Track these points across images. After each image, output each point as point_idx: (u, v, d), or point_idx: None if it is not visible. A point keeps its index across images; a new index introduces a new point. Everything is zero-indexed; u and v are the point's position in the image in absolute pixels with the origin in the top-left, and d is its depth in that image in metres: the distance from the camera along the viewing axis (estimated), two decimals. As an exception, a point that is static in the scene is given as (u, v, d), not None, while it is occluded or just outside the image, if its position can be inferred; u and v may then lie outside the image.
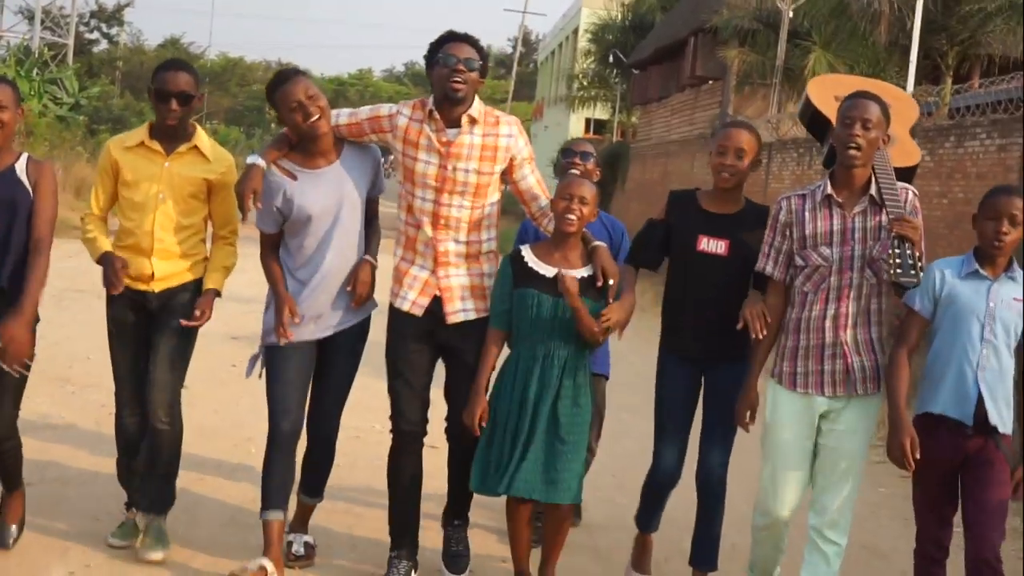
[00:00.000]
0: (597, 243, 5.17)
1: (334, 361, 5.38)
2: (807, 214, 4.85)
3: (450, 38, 5.20)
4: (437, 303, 5.22)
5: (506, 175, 5.30)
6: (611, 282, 5.00)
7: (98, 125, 38.55)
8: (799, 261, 4.87)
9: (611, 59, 43.11)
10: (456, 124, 5.15)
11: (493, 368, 5.11)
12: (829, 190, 4.80)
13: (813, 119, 5.41)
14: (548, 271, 4.99)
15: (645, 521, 5.65)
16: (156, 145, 5.34)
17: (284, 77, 5.21)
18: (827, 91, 5.37)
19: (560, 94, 51.53)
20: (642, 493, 5.55)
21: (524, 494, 4.91)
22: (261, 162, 5.17)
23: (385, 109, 5.33)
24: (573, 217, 4.95)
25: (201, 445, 7.25)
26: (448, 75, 5.06)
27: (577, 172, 5.67)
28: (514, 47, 73.25)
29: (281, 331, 5.15)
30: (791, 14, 25.43)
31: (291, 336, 5.16)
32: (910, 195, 4.83)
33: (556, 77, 57.14)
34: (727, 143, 5.15)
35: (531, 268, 5.03)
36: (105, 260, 5.29)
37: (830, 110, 5.12)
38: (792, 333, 4.91)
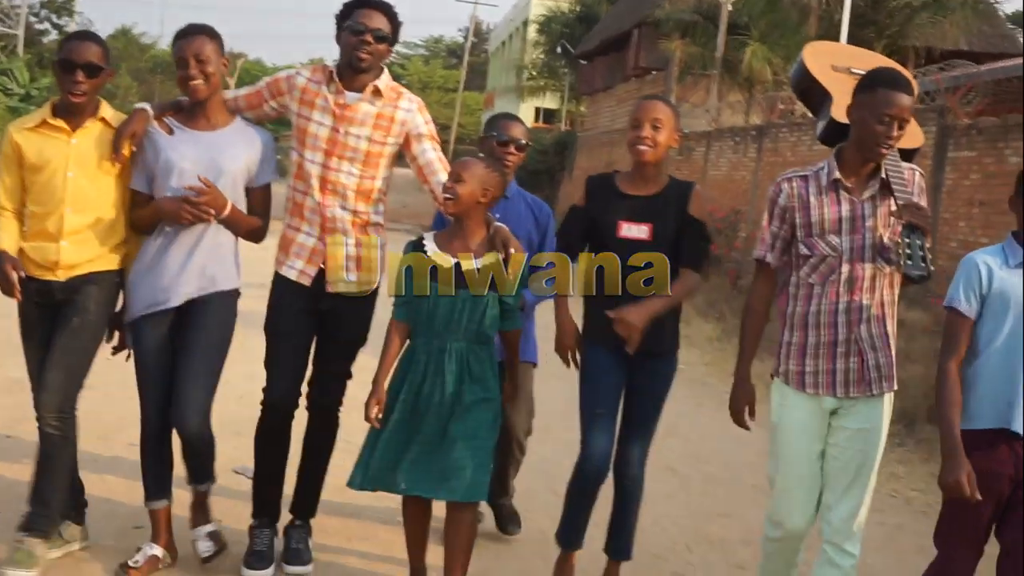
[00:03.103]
0: (498, 224, 4.79)
1: (190, 339, 4.87)
2: (812, 199, 4.36)
3: (362, 3, 5.00)
4: (321, 273, 5.03)
5: (404, 151, 5.13)
6: (511, 251, 4.62)
7: (49, 116, 38.59)
8: (803, 250, 4.37)
9: (559, 50, 43.75)
10: (357, 90, 4.99)
11: (394, 361, 4.71)
12: (837, 174, 4.33)
13: (806, 86, 5.01)
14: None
15: (568, 533, 5.10)
16: (60, 123, 4.84)
17: (186, 31, 4.91)
18: (823, 60, 5.00)
19: (510, 84, 52.01)
20: (567, 495, 5.06)
21: (412, 491, 4.57)
22: (147, 107, 4.94)
23: (283, 73, 5.20)
24: (448, 196, 4.63)
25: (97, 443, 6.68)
26: (355, 44, 4.91)
27: (511, 163, 5.45)
28: (465, 37, 73.71)
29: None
30: (730, 7, 26.16)
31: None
32: (917, 176, 4.40)
33: (506, 67, 57.60)
34: (641, 115, 4.79)
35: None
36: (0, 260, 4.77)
37: (828, 80, 4.84)
38: (799, 329, 4.39)
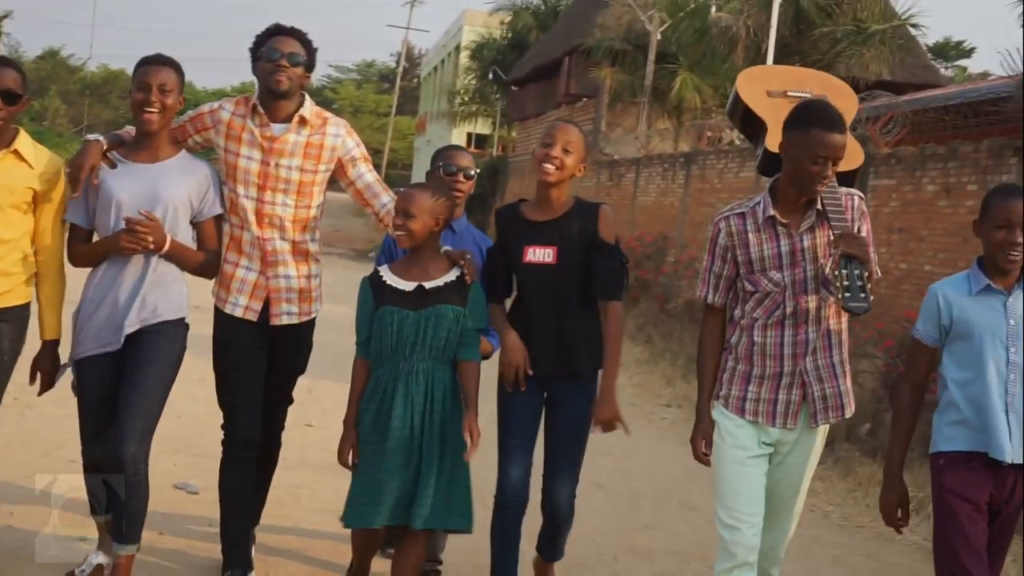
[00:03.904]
0: (446, 248, 4.85)
1: (136, 374, 4.71)
2: (751, 236, 4.31)
3: (275, 32, 5.00)
4: (265, 307, 5.01)
5: (339, 178, 5.15)
6: (462, 262, 4.71)
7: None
8: (748, 287, 4.33)
9: (491, 76, 44.00)
10: (282, 121, 4.96)
11: (359, 399, 4.69)
12: (772, 210, 4.28)
13: (742, 116, 4.95)
14: (407, 285, 4.66)
15: (500, 570, 4.91)
16: None
17: (154, 59, 4.82)
18: (756, 86, 4.93)
19: (442, 109, 52.20)
20: (491, 534, 4.89)
21: (416, 524, 4.53)
22: (100, 138, 4.80)
23: (207, 107, 5.12)
24: (400, 233, 4.67)
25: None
26: (271, 70, 4.87)
27: (461, 191, 5.34)
28: (397, 62, 73.86)
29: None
30: (659, 37, 26.60)
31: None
32: (856, 200, 4.34)
33: (438, 92, 57.80)
34: (556, 135, 4.75)
35: (390, 285, 4.68)
36: None
37: (763, 108, 4.78)
38: (744, 359, 4.36)
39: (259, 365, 5.07)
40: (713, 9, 24.12)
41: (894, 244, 12.56)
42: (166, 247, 4.73)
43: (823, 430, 4.43)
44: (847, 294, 3.95)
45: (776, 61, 20.17)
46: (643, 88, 27.09)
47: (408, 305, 4.63)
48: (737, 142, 20.07)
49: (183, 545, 5.51)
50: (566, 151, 4.73)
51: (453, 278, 4.70)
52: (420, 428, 4.57)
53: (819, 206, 4.24)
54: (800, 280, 4.25)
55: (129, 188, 4.74)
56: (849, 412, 4.40)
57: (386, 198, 5.10)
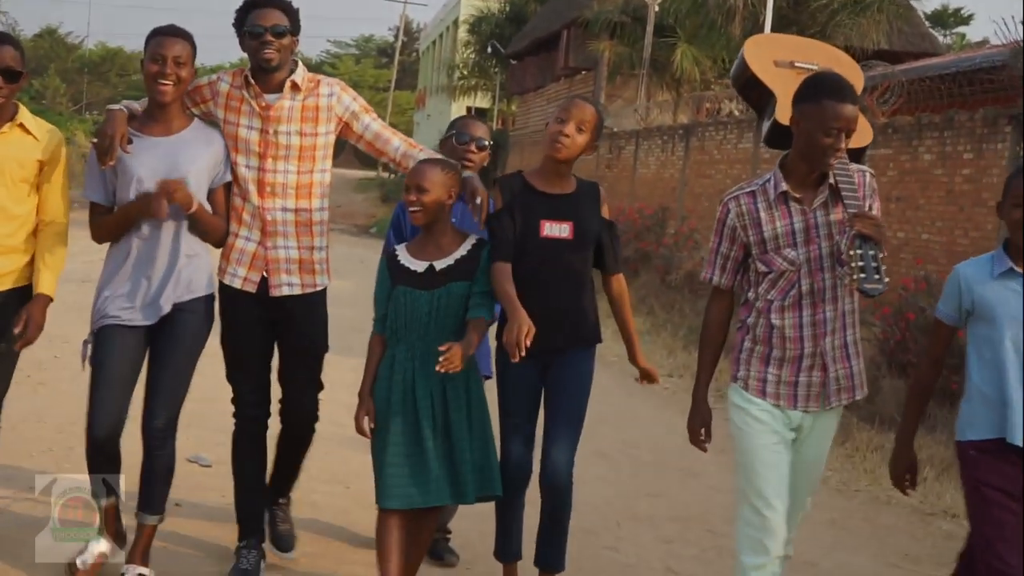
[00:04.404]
0: (466, 175, 4.82)
1: (167, 350, 4.78)
2: (762, 214, 4.21)
3: (254, 4, 4.91)
4: (265, 280, 4.99)
5: (347, 136, 5.12)
6: (478, 201, 4.71)
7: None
8: (761, 267, 4.24)
9: (490, 50, 44.05)
10: (276, 90, 4.93)
11: (375, 371, 4.67)
12: (784, 185, 4.19)
13: (747, 83, 4.89)
14: (419, 266, 4.65)
15: (504, 545, 4.96)
16: None
17: (170, 30, 4.79)
18: (764, 53, 4.85)
19: (442, 83, 52.22)
20: (496, 506, 4.92)
21: (436, 501, 4.57)
22: (121, 107, 4.78)
23: (204, 79, 5.08)
24: (414, 209, 4.62)
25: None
26: (257, 47, 4.83)
27: (472, 161, 5.24)
28: (396, 36, 73.78)
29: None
30: (656, 9, 26.67)
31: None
32: (867, 177, 4.27)
33: (437, 67, 57.80)
34: (572, 111, 4.72)
35: (403, 265, 4.67)
36: None
37: (771, 78, 4.72)
38: (762, 342, 4.27)
39: (261, 340, 5.07)
40: (710, -20, 24.16)
41: (892, 213, 12.69)
42: (194, 206, 4.71)
43: (839, 411, 4.38)
44: (862, 275, 3.86)
45: (774, 31, 20.23)
46: (642, 60, 27.18)
47: (420, 285, 4.62)
48: (736, 113, 20.17)
49: (198, 515, 5.68)
50: (579, 129, 4.71)
51: (464, 252, 4.68)
52: (443, 406, 4.58)
53: (831, 181, 4.16)
54: (815, 257, 4.17)
55: (149, 163, 4.71)
56: (860, 394, 4.37)
57: (397, 141, 5.10)
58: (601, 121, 4.83)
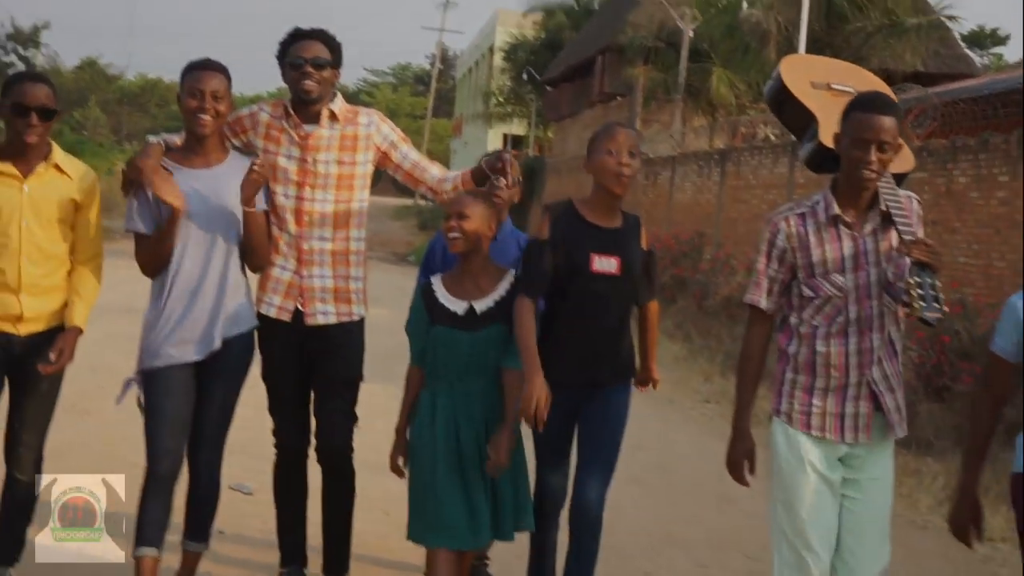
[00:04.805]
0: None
1: (214, 384, 4.84)
2: (812, 237, 4.06)
3: (297, 36, 4.98)
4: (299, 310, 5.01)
5: (386, 166, 5.15)
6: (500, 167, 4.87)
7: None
8: (807, 292, 4.08)
9: (525, 76, 44.26)
10: (315, 120, 4.98)
11: (411, 407, 4.69)
12: (836, 208, 4.05)
13: (783, 103, 4.80)
14: (459, 307, 4.59)
15: (539, 572, 4.95)
16: (9, 168, 4.68)
17: (209, 64, 4.82)
18: (800, 74, 4.76)
19: (478, 110, 52.46)
20: (530, 536, 4.89)
21: (509, 537, 4.65)
22: (160, 140, 4.86)
23: (245, 110, 5.14)
24: (454, 235, 4.56)
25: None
26: (298, 78, 4.90)
27: (500, 198, 5.00)
28: (432, 64, 74.16)
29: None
30: (691, 34, 26.76)
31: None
32: (915, 204, 4.14)
33: (473, 94, 58.06)
34: (619, 141, 4.62)
35: (442, 304, 4.61)
36: None
37: (809, 99, 4.62)
38: (805, 371, 4.10)
39: (296, 370, 5.08)
40: (744, 5, 24.25)
41: (927, 237, 12.67)
42: (257, 205, 4.77)
43: (891, 448, 4.18)
44: (922, 303, 3.72)
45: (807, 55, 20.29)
46: (677, 85, 27.26)
47: (460, 326, 4.57)
48: (772, 138, 20.21)
49: (241, 542, 5.81)
50: (631, 155, 4.61)
51: (504, 293, 4.62)
52: (485, 446, 4.54)
53: (882, 207, 4.04)
54: (863, 284, 4.03)
55: (193, 196, 4.72)
56: (900, 432, 4.16)
57: (435, 170, 5.16)
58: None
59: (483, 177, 5.05)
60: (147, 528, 4.74)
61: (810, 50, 20.48)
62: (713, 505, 7.61)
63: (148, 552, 4.72)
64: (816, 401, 4.08)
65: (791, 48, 21.29)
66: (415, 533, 4.60)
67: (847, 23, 21.49)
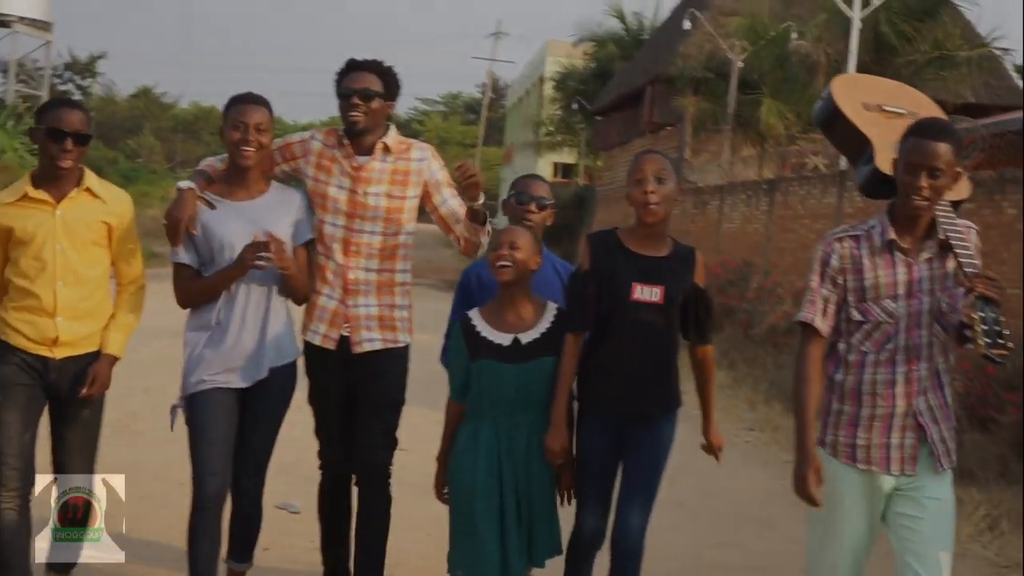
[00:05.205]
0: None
1: (258, 414, 4.93)
2: (866, 261, 4.02)
3: (350, 68, 5.03)
4: (346, 337, 5.06)
5: (425, 203, 5.15)
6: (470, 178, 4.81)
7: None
8: (856, 315, 4.04)
9: (575, 106, 44.41)
10: (367, 152, 5.02)
11: (452, 439, 4.73)
12: (892, 234, 4.00)
13: (834, 124, 4.73)
14: (503, 339, 4.59)
15: None
16: (42, 194, 4.73)
17: (251, 98, 4.88)
18: (852, 95, 4.69)
19: (528, 139, 52.64)
20: (567, 559, 4.84)
21: (542, 564, 4.73)
22: (192, 185, 4.83)
23: (296, 136, 5.20)
24: (504, 264, 4.54)
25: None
26: (346, 108, 4.95)
27: (532, 222, 5.08)
28: (483, 93, 74.52)
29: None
30: (740, 64, 26.83)
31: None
32: (973, 235, 4.02)
33: (524, 123, 58.26)
34: (644, 169, 4.58)
35: (485, 338, 4.61)
36: None
37: (863, 122, 4.55)
38: (850, 400, 4.06)
39: (341, 396, 5.13)
40: (793, 36, 24.30)
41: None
42: (291, 266, 4.79)
43: (949, 478, 4.06)
44: (987, 339, 3.62)
45: (857, 87, 20.30)
46: (726, 116, 27.33)
47: (505, 359, 4.57)
48: (821, 168, 20.23)
49: (286, 560, 5.93)
50: (660, 180, 4.56)
51: (549, 324, 4.63)
52: (527, 480, 4.59)
53: (940, 235, 3.97)
54: (915, 312, 3.97)
55: (237, 229, 4.78)
56: (947, 463, 4.05)
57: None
58: (671, 164, 4.71)
59: (474, 213, 5.03)
60: (201, 562, 4.84)
61: (859, 81, 20.49)
62: (753, 531, 7.66)
63: None
64: (861, 433, 4.03)
65: (840, 79, 21.34)
66: (453, 566, 4.67)
67: (896, 55, 21.46)
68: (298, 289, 4.96)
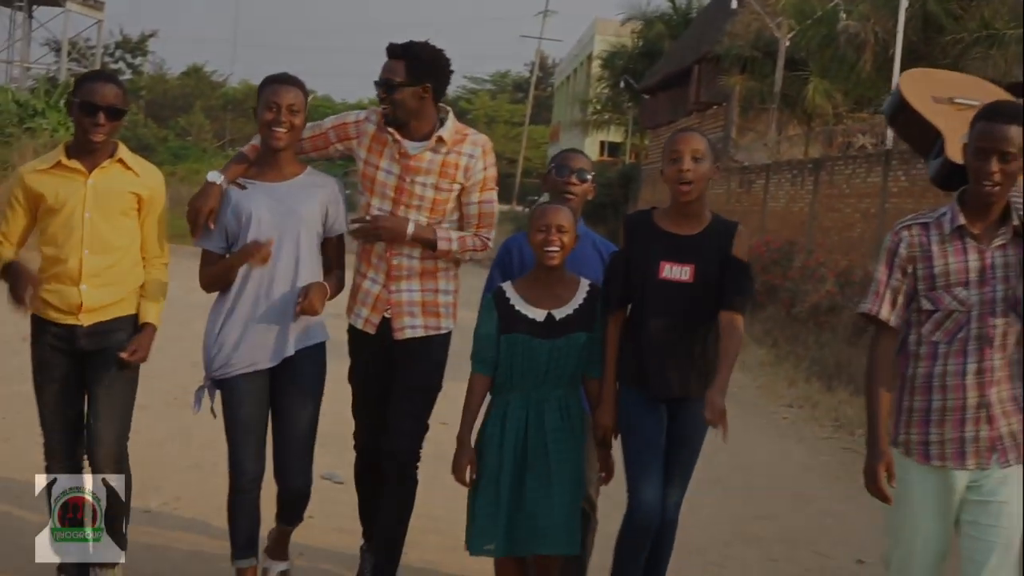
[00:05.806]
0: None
1: (290, 399, 4.92)
2: (935, 248, 3.91)
3: (387, 54, 4.97)
4: (388, 321, 5.03)
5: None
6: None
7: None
8: (926, 304, 3.92)
9: (623, 84, 44.41)
10: (419, 139, 4.97)
11: (476, 417, 4.65)
12: (962, 220, 3.88)
13: (904, 118, 4.68)
14: (538, 314, 4.57)
15: None
16: (75, 164, 4.76)
17: (283, 79, 4.89)
18: (921, 89, 4.63)
19: (575, 118, 52.69)
20: (617, 549, 4.71)
21: (576, 550, 4.62)
22: (219, 179, 4.86)
23: (352, 116, 5.14)
24: (555, 249, 4.50)
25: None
26: (378, 98, 4.96)
27: (574, 194, 5.02)
28: (531, 72, 74.51)
29: None
30: (787, 43, 26.80)
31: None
32: None
33: (571, 101, 58.32)
34: (682, 147, 4.53)
35: (519, 311, 4.58)
36: (10, 270, 4.77)
37: (932, 114, 4.50)
38: (921, 392, 3.96)
39: (379, 380, 5.13)
40: (842, 16, 24.25)
41: None
42: (320, 310, 4.81)
43: (1018, 476, 3.92)
44: None
45: (904, 66, 20.23)
46: (772, 95, 27.33)
47: (539, 334, 4.54)
48: (868, 147, 20.22)
49: (329, 527, 6.17)
50: (695, 159, 4.51)
51: (583, 301, 4.61)
52: (548, 456, 4.54)
53: (1015, 221, 3.88)
54: (988, 300, 3.86)
55: (267, 205, 4.81)
56: (1014, 459, 3.93)
57: (470, 231, 5.09)
58: (709, 142, 4.67)
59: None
60: (240, 536, 4.99)
61: (905, 60, 20.47)
62: (788, 504, 7.79)
63: (247, 564, 5.03)
64: (934, 429, 3.93)
65: (887, 58, 21.29)
66: (476, 546, 4.66)
67: (944, 33, 21.36)
68: (331, 293, 4.97)
